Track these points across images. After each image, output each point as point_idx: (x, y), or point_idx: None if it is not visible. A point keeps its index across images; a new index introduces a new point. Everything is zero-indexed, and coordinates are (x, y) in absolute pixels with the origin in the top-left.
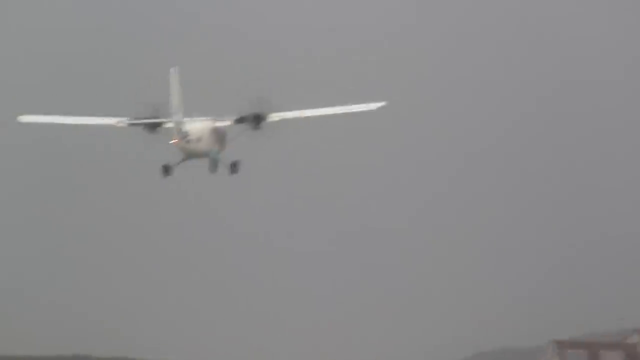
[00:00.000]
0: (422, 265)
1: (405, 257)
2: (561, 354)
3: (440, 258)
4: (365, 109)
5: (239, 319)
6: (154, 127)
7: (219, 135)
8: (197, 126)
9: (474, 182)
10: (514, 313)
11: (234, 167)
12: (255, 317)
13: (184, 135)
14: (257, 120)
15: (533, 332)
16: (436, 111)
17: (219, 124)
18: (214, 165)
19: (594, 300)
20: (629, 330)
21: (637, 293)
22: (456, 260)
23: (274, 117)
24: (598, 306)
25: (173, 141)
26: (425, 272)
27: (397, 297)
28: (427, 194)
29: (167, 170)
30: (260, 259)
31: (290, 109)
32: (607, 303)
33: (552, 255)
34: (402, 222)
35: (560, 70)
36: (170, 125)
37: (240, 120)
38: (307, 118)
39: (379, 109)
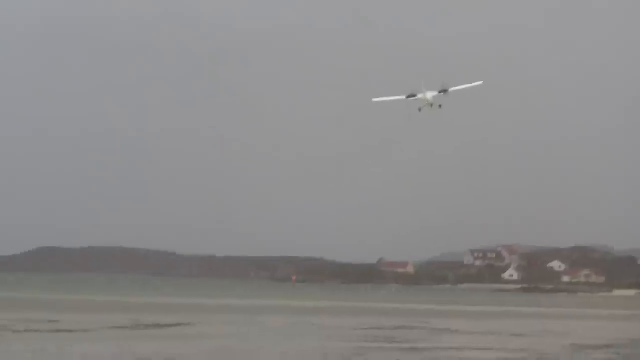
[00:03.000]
0: None
1: None
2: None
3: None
4: (477, 84)
5: None
6: (414, 97)
7: (438, 97)
8: (429, 95)
9: None
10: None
11: (440, 106)
12: None
13: (426, 100)
14: (445, 91)
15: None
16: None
17: (434, 93)
18: (430, 107)
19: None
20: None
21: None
22: None
23: (451, 90)
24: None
25: (423, 103)
26: None
27: None
28: None
29: (420, 110)
30: None
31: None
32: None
33: None
34: None
35: None
36: (420, 96)
37: (440, 91)
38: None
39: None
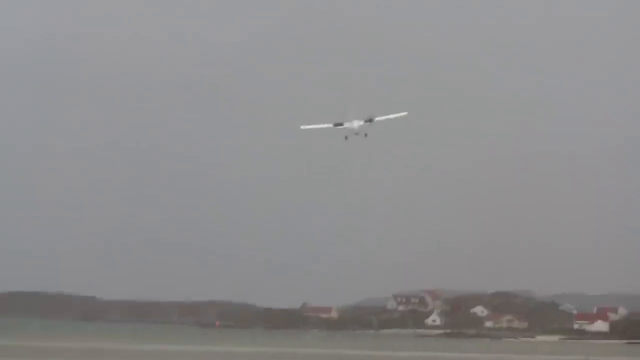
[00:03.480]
0: None
1: None
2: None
3: None
4: (402, 114)
5: None
6: (340, 126)
7: (364, 126)
8: (355, 123)
9: None
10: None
11: (365, 135)
12: None
13: (353, 128)
14: (370, 120)
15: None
16: None
17: (360, 122)
18: (356, 135)
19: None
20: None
21: None
22: None
23: (376, 119)
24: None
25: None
26: None
27: None
28: None
29: (346, 138)
30: None
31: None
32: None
33: None
34: None
35: None
36: (347, 125)
37: (366, 121)
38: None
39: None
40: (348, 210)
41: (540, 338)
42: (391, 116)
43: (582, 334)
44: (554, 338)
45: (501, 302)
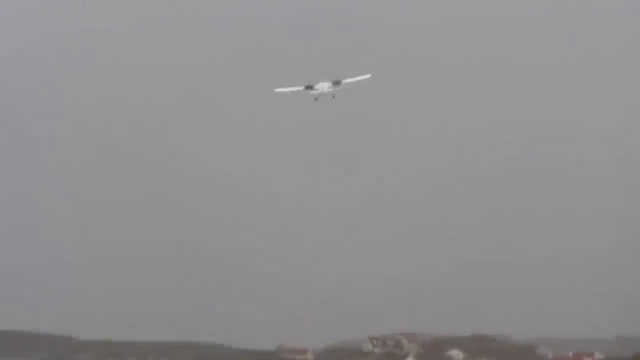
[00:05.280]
0: None
1: None
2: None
3: None
4: (365, 77)
5: None
6: (310, 89)
7: (332, 89)
8: (324, 85)
9: None
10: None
11: (333, 96)
12: None
13: (323, 91)
14: (338, 82)
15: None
16: None
17: (329, 84)
18: (326, 97)
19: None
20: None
21: None
22: None
23: (343, 82)
24: None
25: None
26: None
27: None
28: None
29: (316, 99)
30: None
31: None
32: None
33: None
34: None
35: None
36: (317, 87)
37: (334, 83)
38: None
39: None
40: (324, 249)
41: None
42: (357, 78)
43: None
44: None
45: (477, 345)
